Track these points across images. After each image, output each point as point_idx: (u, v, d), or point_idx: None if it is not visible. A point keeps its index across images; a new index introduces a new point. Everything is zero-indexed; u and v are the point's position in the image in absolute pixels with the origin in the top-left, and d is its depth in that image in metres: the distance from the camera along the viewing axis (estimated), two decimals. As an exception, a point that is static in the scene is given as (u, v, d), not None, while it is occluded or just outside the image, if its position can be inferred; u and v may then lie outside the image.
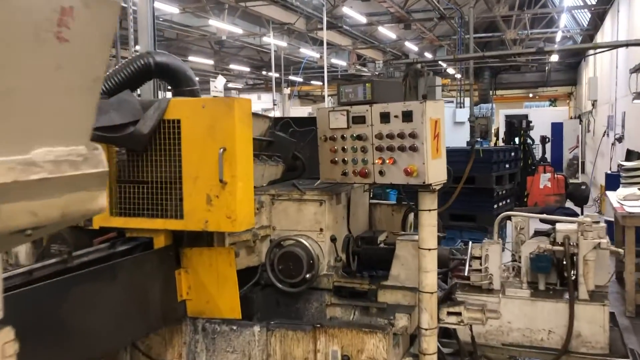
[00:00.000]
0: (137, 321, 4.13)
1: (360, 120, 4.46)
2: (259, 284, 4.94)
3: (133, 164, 4.39)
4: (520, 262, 5.78)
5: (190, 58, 29.93)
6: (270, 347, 4.45)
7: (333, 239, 4.73)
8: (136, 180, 4.37)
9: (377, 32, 28.34)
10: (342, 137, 4.56)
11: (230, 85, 41.51)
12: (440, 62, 27.68)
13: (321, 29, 21.65)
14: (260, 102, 38.24)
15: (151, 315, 4.23)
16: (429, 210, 4.35)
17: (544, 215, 6.52)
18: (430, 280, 4.41)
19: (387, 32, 27.33)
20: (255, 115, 5.69)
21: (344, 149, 4.57)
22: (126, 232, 4.51)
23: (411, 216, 5.71)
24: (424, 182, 4.21)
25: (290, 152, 5.84)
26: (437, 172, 4.31)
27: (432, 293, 4.43)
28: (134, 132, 4.10)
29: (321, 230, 4.83)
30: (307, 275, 4.59)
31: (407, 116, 4.21)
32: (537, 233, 6.01)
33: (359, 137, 4.45)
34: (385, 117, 4.32)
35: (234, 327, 4.54)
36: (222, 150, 4.04)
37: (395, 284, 4.77)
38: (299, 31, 25.47)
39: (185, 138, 4.20)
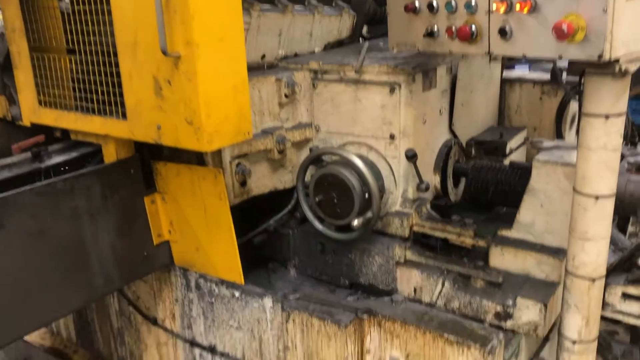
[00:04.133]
0: (69, 285, 2.53)
1: None
2: (294, 215, 3.06)
3: (54, 18, 2.54)
4: None
5: None
6: (288, 337, 2.66)
7: (410, 156, 2.60)
8: (58, 48, 2.54)
9: None
10: (428, -45, 2.21)
11: None
12: None
13: None
14: None
15: (98, 271, 2.61)
16: (606, 116, 1.99)
17: None
18: (594, 255, 2.18)
19: None
20: None
21: (430, -18, 2.24)
22: (71, 134, 2.81)
23: (575, 106, 3.27)
24: (600, 55, 1.83)
25: (371, -8, 3.54)
26: (635, 29, 1.87)
27: (593, 280, 2.21)
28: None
29: (392, 137, 2.69)
30: (355, 222, 2.58)
31: None
32: None
33: (461, -46, 2.08)
34: None
35: (237, 294, 2.80)
36: (160, -10, 2.01)
37: (525, 239, 2.61)
38: None
39: (113, -33, 2.21)
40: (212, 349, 3.00)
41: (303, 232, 3.02)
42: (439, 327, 2.36)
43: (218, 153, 2.68)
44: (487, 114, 3.39)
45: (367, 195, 2.62)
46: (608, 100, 1.97)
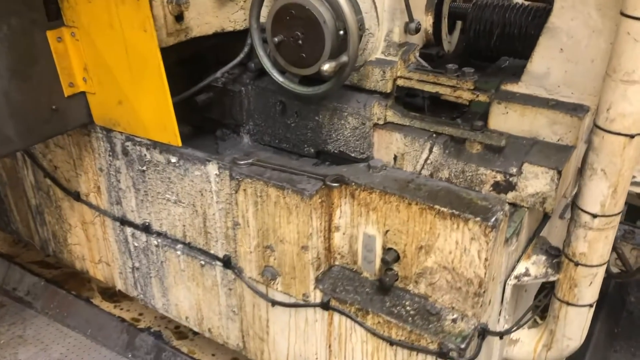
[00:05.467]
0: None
1: None
2: (247, 67, 2.44)
3: None
4: None
5: None
6: (238, 211, 2.14)
7: (399, -20, 1.97)
8: None
9: None
10: None
11: None
12: None
13: None
14: None
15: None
16: None
17: None
18: (638, 102, 1.67)
19: None
20: None
21: None
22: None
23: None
24: None
25: None
26: None
27: (632, 137, 1.72)
28: None
29: (375, -45, 2.05)
30: (326, 66, 1.99)
31: None
32: None
33: None
34: None
35: (173, 160, 2.23)
36: None
37: (535, 94, 2.09)
38: None
39: None
40: (146, 228, 2.47)
41: (259, 88, 2.42)
42: (428, 198, 1.87)
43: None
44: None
45: (342, 33, 2.01)
46: None
